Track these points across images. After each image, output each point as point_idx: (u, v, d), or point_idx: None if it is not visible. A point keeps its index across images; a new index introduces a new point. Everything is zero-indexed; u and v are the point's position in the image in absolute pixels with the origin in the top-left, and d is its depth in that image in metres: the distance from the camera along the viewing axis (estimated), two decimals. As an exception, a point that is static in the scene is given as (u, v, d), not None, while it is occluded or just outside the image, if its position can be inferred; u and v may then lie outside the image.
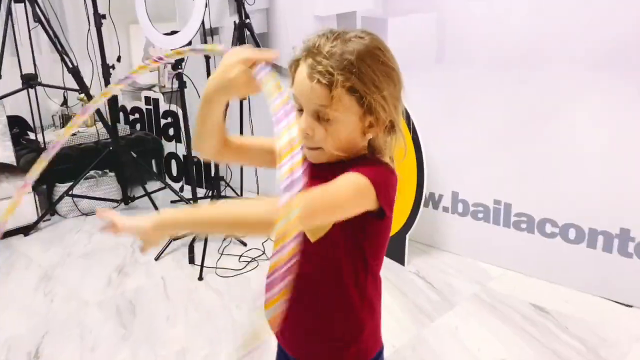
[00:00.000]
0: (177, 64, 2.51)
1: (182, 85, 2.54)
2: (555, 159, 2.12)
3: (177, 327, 2.06)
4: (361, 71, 0.80)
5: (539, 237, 2.21)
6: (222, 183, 3.14)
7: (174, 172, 3.63)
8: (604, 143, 2.00)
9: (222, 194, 3.07)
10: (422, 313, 2.06)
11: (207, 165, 3.36)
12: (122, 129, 3.66)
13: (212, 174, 3.03)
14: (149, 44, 4.20)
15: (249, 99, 2.75)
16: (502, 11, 2.12)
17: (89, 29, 3.01)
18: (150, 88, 4.00)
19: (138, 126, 3.82)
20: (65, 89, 3.09)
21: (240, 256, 2.58)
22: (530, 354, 1.80)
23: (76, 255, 2.70)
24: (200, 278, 2.40)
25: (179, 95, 2.52)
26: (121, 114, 3.92)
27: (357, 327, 0.92)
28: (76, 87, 2.90)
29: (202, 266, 2.44)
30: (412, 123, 2.20)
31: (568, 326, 1.93)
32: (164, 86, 4.06)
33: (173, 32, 2.63)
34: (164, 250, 2.65)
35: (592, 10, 1.91)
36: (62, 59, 2.78)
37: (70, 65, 2.80)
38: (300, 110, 0.84)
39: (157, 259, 2.61)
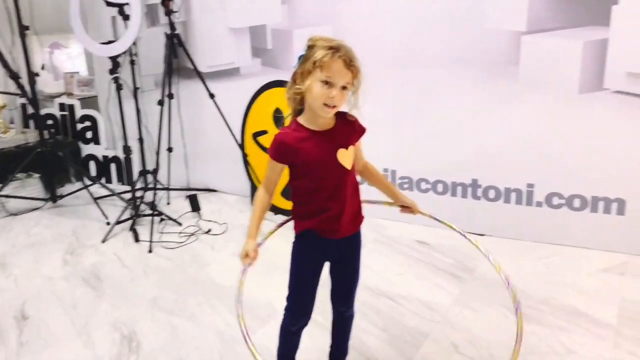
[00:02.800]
0: (114, 69, 2.89)
1: (119, 87, 2.92)
2: (428, 132, 2.86)
3: (142, 284, 2.46)
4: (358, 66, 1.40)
5: (417, 192, 2.94)
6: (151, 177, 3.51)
7: (93, 172, 3.90)
8: (461, 119, 2.79)
9: (151, 186, 3.45)
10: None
11: (129, 162, 3.70)
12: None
13: (141, 169, 3.39)
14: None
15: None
16: (384, 26, 2.84)
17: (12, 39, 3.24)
18: (59, 96, 4.21)
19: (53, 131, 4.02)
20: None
21: (180, 233, 3.01)
22: (418, 269, 2.50)
23: (21, 245, 2.93)
24: (150, 251, 2.80)
25: (97, 100, 2.90)
26: (31, 120, 4.08)
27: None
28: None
29: (150, 241, 2.84)
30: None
31: (443, 251, 2.67)
32: (72, 94, 4.29)
33: (110, 42, 2.99)
34: (108, 233, 2.99)
35: (446, 23, 2.69)
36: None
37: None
38: (326, 83, 1.34)
39: (103, 241, 2.94)
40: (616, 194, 2.48)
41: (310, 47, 1.39)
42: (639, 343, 1.85)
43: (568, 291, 2.23)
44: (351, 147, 1.48)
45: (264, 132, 3.22)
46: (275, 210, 3.23)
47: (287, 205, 3.26)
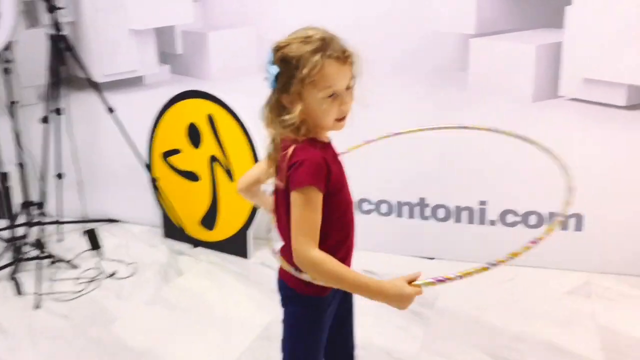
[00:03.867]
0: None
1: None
2: (369, 147, 2.54)
3: (27, 357, 1.90)
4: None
5: (359, 215, 2.62)
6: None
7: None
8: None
9: (37, 221, 2.82)
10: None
11: (7, 193, 3.04)
12: None
13: (23, 200, 2.77)
14: None
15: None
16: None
17: None
18: None
19: None
20: None
21: (77, 279, 2.44)
22: (373, 308, 2.16)
23: None
24: (37, 306, 2.22)
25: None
26: None
27: None
28: None
29: (38, 293, 2.25)
30: (245, 126, 2.44)
31: (394, 281, 2.36)
32: None
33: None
34: (-21, 286, 2.36)
35: (386, 26, 2.39)
36: None
37: None
38: (330, 96, 1.05)
39: (-29, 297, 2.31)
40: (574, 208, 2.31)
41: (286, 60, 1.06)
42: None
43: (541, 322, 2.00)
44: None
45: (176, 152, 2.74)
46: (194, 242, 2.76)
47: (209, 236, 2.88)
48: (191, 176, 2.71)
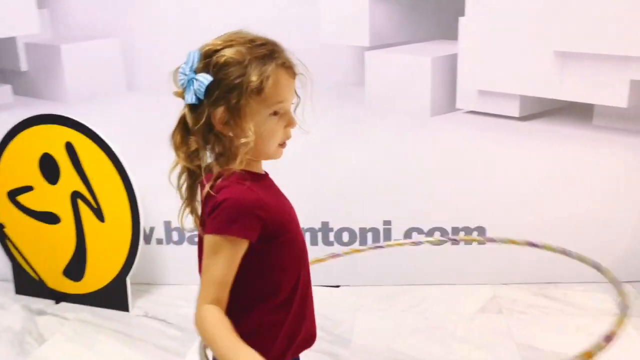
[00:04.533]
0: None
1: None
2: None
3: None
4: None
5: (256, 246, 2.36)
6: None
7: None
8: (299, 151, 2.29)
9: None
10: (169, 352, 1.93)
11: None
12: None
13: None
14: None
15: None
16: (194, 41, 2.18)
17: None
18: None
19: None
20: None
21: None
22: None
23: None
24: None
25: None
26: None
27: None
28: None
29: None
30: (115, 154, 2.06)
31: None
32: None
33: None
34: None
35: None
36: None
37: None
38: (275, 114, 0.88)
39: None
40: (476, 222, 2.28)
41: (224, 66, 0.85)
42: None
43: (461, 347, 1.90)
44: None
45: (27, 189, 2.25)
46: (57, 297, 2.29)
47: (76, 288, 2.39)
48: (49, 218, 2.24)
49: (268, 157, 0.93)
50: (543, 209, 2.23)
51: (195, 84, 0.85)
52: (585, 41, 2.01)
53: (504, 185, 2.22)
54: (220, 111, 0.85)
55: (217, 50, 0.86)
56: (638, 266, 2.26)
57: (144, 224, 2.26)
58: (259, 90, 0.84)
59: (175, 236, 2.39)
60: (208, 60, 0.86)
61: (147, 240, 2.38)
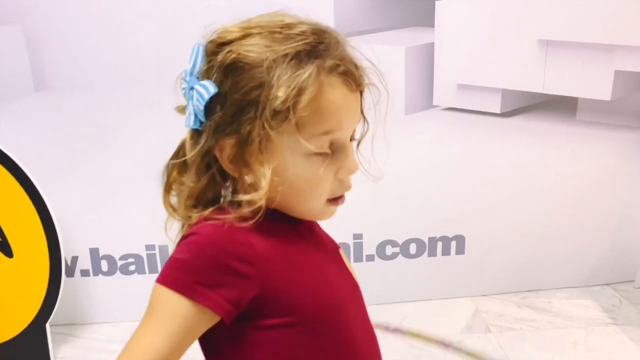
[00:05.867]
0: None
1: None
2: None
3: None
4: None
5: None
6: None
7: None
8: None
9: None
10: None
11: None
12: None
13: None
14: None
15: None
16: (118, 28, 1.78)
17: None
18: None
19: None
20: None
21: None
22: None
23: None
24: None
25: None
26: None
27: None
28: None
29: None
30: (23, 172, 1.63)
31: None
32: None
33: None
34: None
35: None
36: None
37: None
38: (322, 153, 0.56)
39: None
40: (454, 231, 2.06)
41: (230, 68, 0.54)
42: None
43: (457, 379, 1.67)
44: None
45: None
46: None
47: None
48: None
49: (309, 218, 0.62)
50: (525, 211, 2.05)
51: (195, 96, 0.54)
52: (570, 29, 1.84)
53: (485, 188, 2.02)
54: (227, 144, 0.55)
55: (225, 43, 0.54)
56: (619, 267, 2.15)
57: (64, 255, 1.83)
58: (288, 113, 0.52)
59: (104, 265, 1.98)
60: (213, 57, 0.54)
61: (70, 272, 1.95)
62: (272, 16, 0.57)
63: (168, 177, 0.61)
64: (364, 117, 0.62)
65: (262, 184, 0.54)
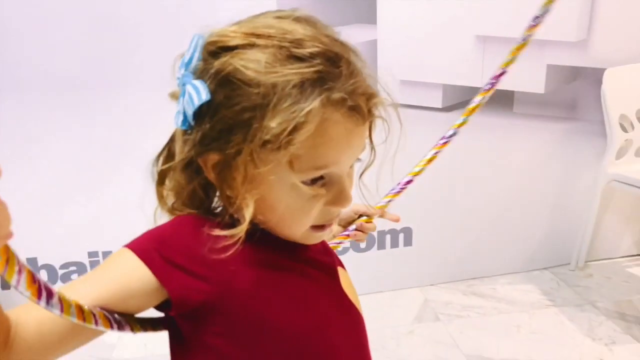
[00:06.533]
0: None
1: None
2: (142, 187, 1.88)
3: None
4: None
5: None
6: None
7: None
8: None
9: None
10: None
11: None
12: None
13: None
14: None
15: None
16: (54, 30, 1.69)
17: None
18: None
19: None
20: None
21: None
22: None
23: None
24: None
25: None
26: None
27: None
28: None
29: None
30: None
31: None
32: None
33: None
34: None
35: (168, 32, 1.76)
36: None
37: None
38: (313, 181, 0.53)
39: None
40: (402, 223, 2.10)
41: (226, 79, 0.49)
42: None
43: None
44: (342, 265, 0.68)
45: None
46: None
47: None
48: None
49: (294, 240, 0.58)
50: (467, 202, 2.12)
51: (186, 96, 0.50)
52: (505, 25, 1.90)
53: (429, 181, 2.06)
54: (211, 159, 0.52)
55: (226, 49, 0.50)
56: (555, 252, 2.27)
57: None
58: (279, 147, 0.48)
59: (43, 275, 1.88)
60: (211, 60, 0.50)
61: (5, 285, 1.84)
62: (283, 23, 0.51)
63: (159, 170, 0.58)
64: (372, 147, 0.60)
65: (245, 216, 0.51)
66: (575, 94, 2.07)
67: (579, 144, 2.12)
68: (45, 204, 1.82)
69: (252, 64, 0.48)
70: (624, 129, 2.04)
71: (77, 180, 1.84)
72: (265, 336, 0.54)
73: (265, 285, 0.55)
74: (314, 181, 0.52)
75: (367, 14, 1.85)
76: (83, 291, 0.49)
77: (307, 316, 0.58)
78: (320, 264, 0.62)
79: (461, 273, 2.21)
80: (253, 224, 0.54)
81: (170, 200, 0.58)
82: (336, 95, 0.49)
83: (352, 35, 2.06)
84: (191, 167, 0.55)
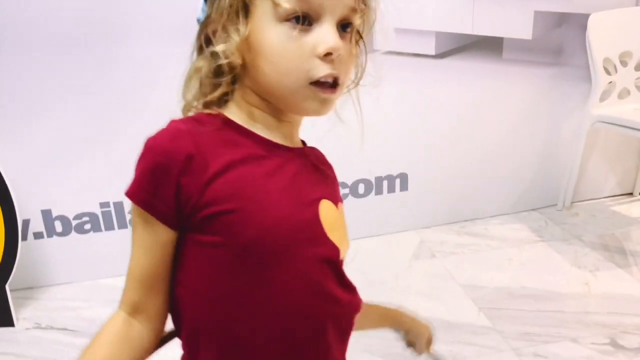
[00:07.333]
0: None
1: None
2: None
3: None
4: None
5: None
6: None
7: None
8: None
9: None
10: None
11: None
12: None
13: None
14: None
15: None
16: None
17: None
18: None
19: None
20: None
21: None
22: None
23: None
24: None
25: None
26: None
27: None
28: None
29: None
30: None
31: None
32: None
33: None
34: None
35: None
36: None
37: None
38: (297, 20, 0.56)
39: None
40: (398, 169, 2.20)
41: None
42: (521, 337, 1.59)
43: (414, 301, 1.82)
44: (341, 207, 0.69)
45: None
46: None
47: None
48: None
49: (297, 109, 0.62)
50: (460, 147, 2.22)
51: None
52: (495, -28, 1.97)
53: (423, 127, 2.16)
54: (213, 18, 0.60)
55: None
56: (543, 193, 2.38)
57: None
58: None
59: (58, 226, 1.96)
60: None
61: (23, 236, 1.92)
62: None
63: (185, 78, 0.64)
64: (362, 40, 0.66)
65: (233, 37, 0.57)
66: (561, 39, 2.15)
67: (565, 88, 2.22)
68: (58, 157, 1.88)
69: None
70: (608, 72, 2.14)
71: (88, 135, 1.90)
72: (230, 232, 0.57)
73: (244, 165, 0.59)
74: (297, 20, 0.57)
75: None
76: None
77: (274, 219, 0.59)
78: (306, 175, 0.65)
79: (455, 215, 2.32)
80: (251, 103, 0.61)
81: (190, 95, 0.64)
82: None
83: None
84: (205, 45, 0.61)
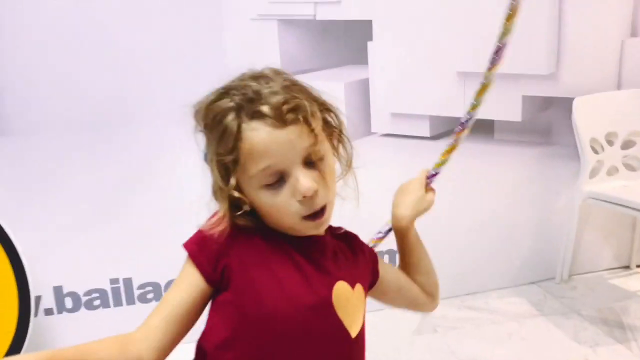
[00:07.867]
0: None
1: None
2: (157, 216, 2.04)
3: None
4: (313, 96, 0.74)
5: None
6: None
7: None
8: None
9: None
10: None
11: None
12: None
13: None
14: None
15: None
16: (70, 72, 1.89)
17: None
18: None
19: None
20: None
21: None
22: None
23: None
24: None
25: None
26: None
27: None
28: None
29: None
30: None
31: None
32: None
33: None
34: None
35: (176, 72, 1.96)
36: None
37: None
38: (269, 186, 0.70)
39: None
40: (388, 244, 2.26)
41: (201, 118, 0.73)
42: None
43: None
44: (360, 288, 0.79)
45: None
46: None
47: None
48: None
49: (298, 234, 0.74)
50: (459, 224, 2.30)
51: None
52: (483, 62, 2.13)
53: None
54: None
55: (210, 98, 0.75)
56: (541, 267, 2.44)
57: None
58: (229, 159, 0.69)
59: (68, 303, 2.02)
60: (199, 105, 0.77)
61: (34, 312, 1.97)
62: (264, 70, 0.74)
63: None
64: (342, 137, 0.78)
65: (220, 211, 0.72)
66: (549, 121, 2.29)
67: (555, 166, 2.33)
68: (72, 233, 1.97)
69: (216, 104, 0.73)
70: (595, 151, 2.25)
71: (97, 212, 2.00)
72: (249, 305, 0.71)
73: (253, 264, 0.72)
74: (274, 184, 0.69)
75: (360, 56, 2.07)
76: None
77: (288, 294, 0.71)
78: (321, 262, 0.76)
79: (454, 290, 2.37)
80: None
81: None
82: (249, 109, 0.67)
83: (348, 74, 2.32)
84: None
